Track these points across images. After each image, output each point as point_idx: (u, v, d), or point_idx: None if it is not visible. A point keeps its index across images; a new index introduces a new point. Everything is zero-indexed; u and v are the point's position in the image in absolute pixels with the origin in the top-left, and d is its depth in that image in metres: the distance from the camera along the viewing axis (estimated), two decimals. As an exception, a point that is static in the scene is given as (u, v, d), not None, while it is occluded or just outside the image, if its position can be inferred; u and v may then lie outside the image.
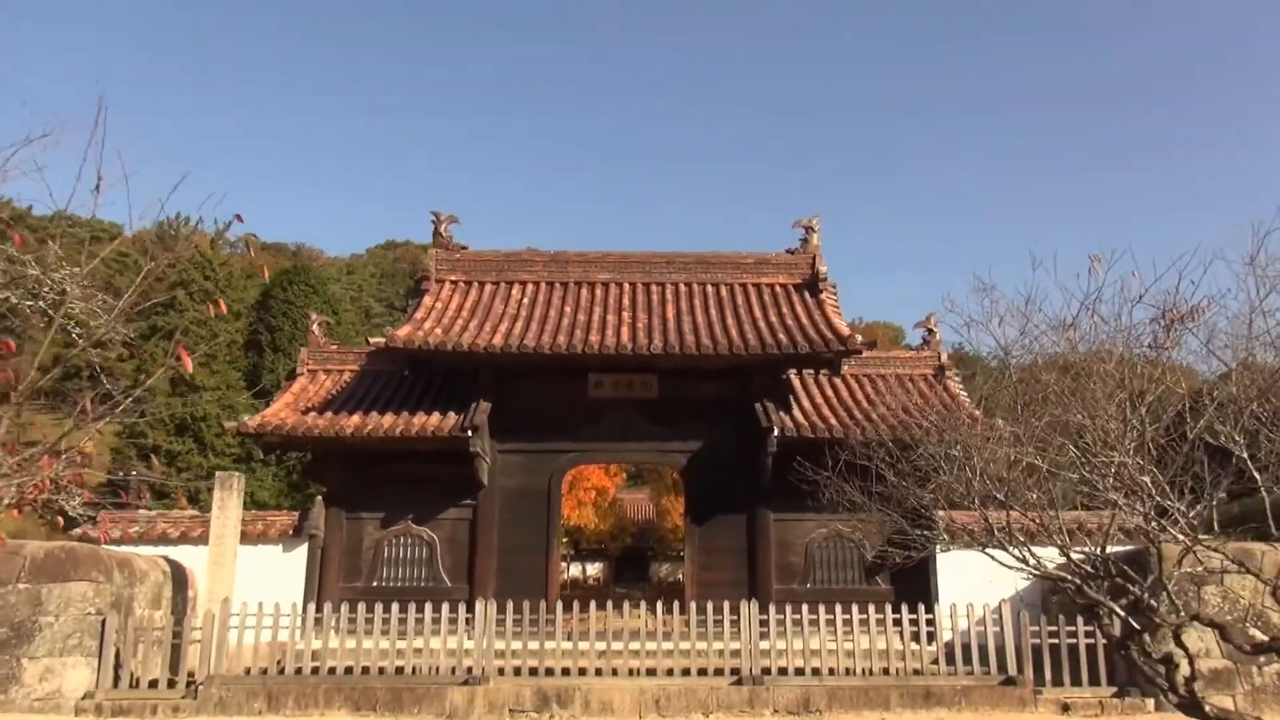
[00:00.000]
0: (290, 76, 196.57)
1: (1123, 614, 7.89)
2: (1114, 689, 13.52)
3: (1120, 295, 8.23)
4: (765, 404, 17.65)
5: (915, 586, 17.41)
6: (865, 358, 20.33)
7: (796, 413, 17.96)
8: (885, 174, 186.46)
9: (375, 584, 17.67)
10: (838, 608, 14.41)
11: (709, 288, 20.06)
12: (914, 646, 14.62)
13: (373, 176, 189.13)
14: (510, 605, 13.95)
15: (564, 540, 50.52)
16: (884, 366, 20.41)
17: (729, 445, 18.29)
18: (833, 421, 17.43)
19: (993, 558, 9.57)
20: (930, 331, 20.70)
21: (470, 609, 14.08)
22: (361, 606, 14.21)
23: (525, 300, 19.47)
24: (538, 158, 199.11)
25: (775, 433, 16.78)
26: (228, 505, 15.63)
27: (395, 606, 14.04)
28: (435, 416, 17.45)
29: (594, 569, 56.99)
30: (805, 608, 14.44)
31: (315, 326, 20.30)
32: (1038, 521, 10.30)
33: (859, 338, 17.08)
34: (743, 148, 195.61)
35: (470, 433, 16.78)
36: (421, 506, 17.97)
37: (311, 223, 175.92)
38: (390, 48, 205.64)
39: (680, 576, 57.52)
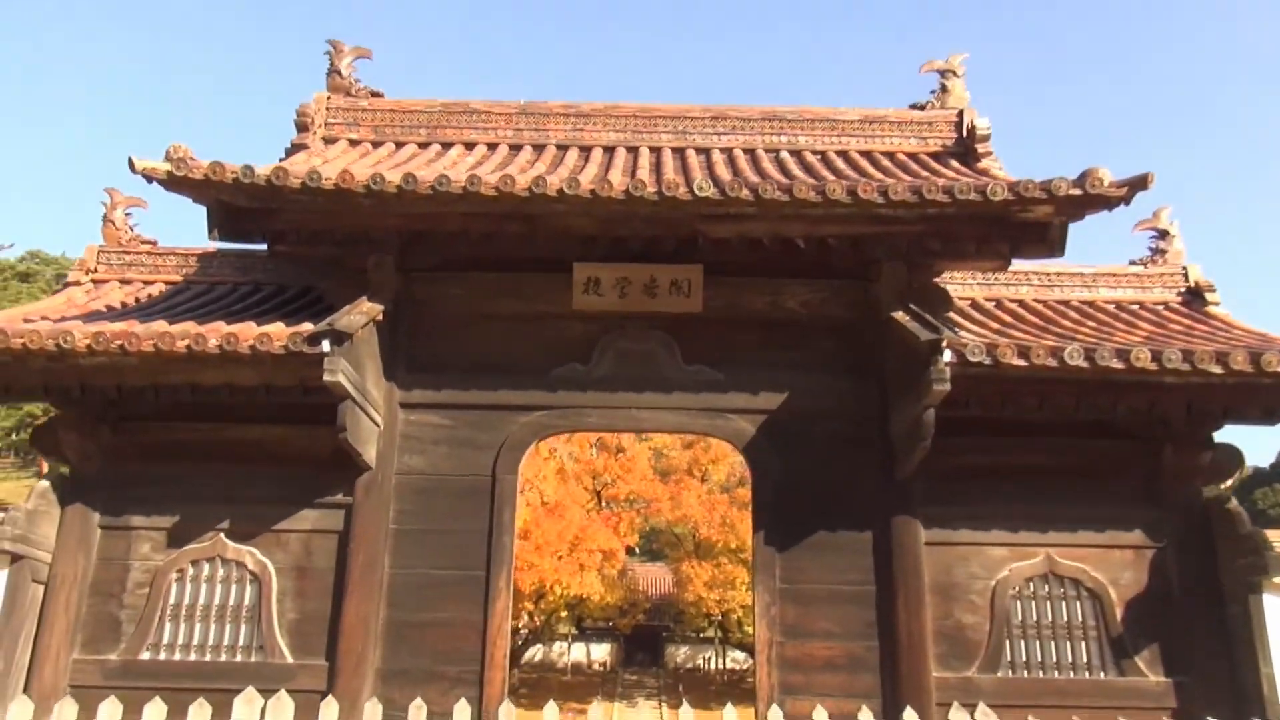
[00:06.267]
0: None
1: None
2: None
3: None
4: (916, 311, 9.17)
5: (1216, 674, 8.72)
6: (1050, 277, 11.88)
7: (967, 336, 9.38)
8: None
9: (147, 655, 8.96)
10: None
11: (784, 154, 11.54)
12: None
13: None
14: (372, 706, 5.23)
15: (563, 615, 41.41)
16: (1086, 287, 11.82)
17: (837, 400, 9.74)
18: (1049, 348, 8.81)
19: None
20: (1163, 234, 12.20)
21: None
22: (108, 706, 5.85)
23: (472, 160, 11.09)
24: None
25: (947, 356, 8.22)
26: None
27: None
28: (278, 326, 8.95)
29: (600, 651, 48.67)
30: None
31: (116, 211, 11.88)
32: None
33: (1107, 175, 8.60)
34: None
35: (327, 345, 8.27)
36: (246, 506, 9.31)
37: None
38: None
39: (701, 662, 48.93)
